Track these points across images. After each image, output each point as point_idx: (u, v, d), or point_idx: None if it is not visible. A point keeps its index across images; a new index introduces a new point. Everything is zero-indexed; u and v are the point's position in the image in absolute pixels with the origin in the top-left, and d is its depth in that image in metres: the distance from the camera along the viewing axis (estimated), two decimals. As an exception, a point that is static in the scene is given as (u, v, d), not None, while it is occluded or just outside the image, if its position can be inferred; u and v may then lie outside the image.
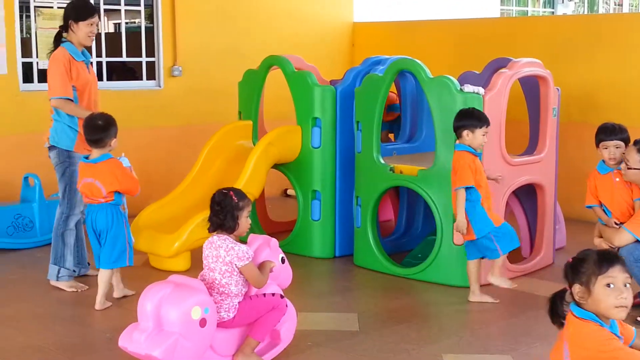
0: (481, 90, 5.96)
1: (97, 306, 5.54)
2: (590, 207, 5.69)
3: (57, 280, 5.98)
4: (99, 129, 5.46)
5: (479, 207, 5.52)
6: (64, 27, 5.98)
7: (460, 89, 5.96)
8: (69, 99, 5.85)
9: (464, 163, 5.49)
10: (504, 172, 6.01)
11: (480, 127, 5.53)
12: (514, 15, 15.27)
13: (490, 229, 5.51)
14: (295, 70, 7.09)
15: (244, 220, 4.43)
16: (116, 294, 5.74)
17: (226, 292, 4.36)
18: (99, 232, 5.55)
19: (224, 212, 4.37)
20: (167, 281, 4.32)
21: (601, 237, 5.58)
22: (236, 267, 4.33)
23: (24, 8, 8.19)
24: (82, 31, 5.92)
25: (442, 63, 8.52)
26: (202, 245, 4.53)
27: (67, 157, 5.92)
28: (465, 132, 5.55)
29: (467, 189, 5.48)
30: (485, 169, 5.69)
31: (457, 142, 5.62)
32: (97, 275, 6.08)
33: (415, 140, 7.37)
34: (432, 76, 6.12)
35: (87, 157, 5.56)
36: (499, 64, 6.80)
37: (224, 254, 4.34)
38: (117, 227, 5.51)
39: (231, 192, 4.42)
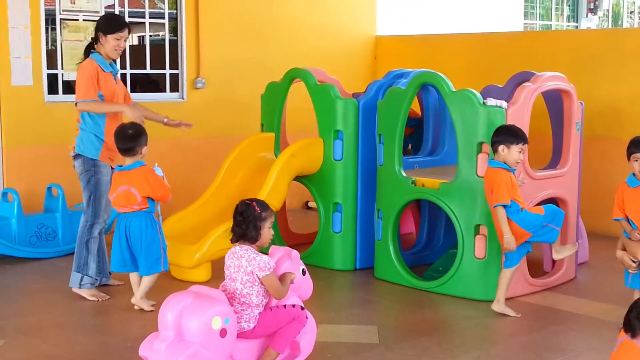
0: (504, 103, 5.96)
1: (148, 309, 5.66)
2: (617, 220, 5.66)
3: (80, 287, 6.02)
4: (130, 137, 5.58)
5: (522, 212, 5.56)
6: (94, 39, 6.06)
7: (483, 102, 5.95)
8: (94, 101, 5.89)
9: (500, 180, 5.50)
10: (526, 185, 5.98)
11: (517, 144, 5.56)
12: (537, 29, 15.23)
13: (540, 219, 5.57)
14: (318, 83, 7.11)
15: (267, 231, 4.44)
16: (134, 300, 5.78)
17: (247, 302, 4.36)
18: (133, 239, 5.63)
19: (246, 222, 4.39)
20: (188, 291, 4.33)
21: (624, 249, 5.54)
22: (257, 277, 4.34)
23: (50, 21, 8.29)
24: (109, 44, 6.00)
25: (464, 77, 8.52)
26: (223, 257, 4.55)
27: (93, 166, 5.96)
28: (501, 148, 5.58)
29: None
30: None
31: (493, 158, 5.64)
32: (117, 285, 6.14)
33: (437, 153, 7.36)
34: (454, 89, 6.12)
35: (120, 166, 5.66)
36: (522, 78, 6.80)
37: (246, 264, 4.36)
38: (152, 234, 5.62)
39: (254, 203, 4.43)
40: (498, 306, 5.69)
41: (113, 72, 6.10)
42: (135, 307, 5.75)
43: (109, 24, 6.06)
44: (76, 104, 5.96)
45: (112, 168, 5.95)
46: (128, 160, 5.64)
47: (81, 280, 6.01)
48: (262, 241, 4.44)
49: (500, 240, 5.62)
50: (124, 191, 5.60)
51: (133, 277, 5.80)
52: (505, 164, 5.57)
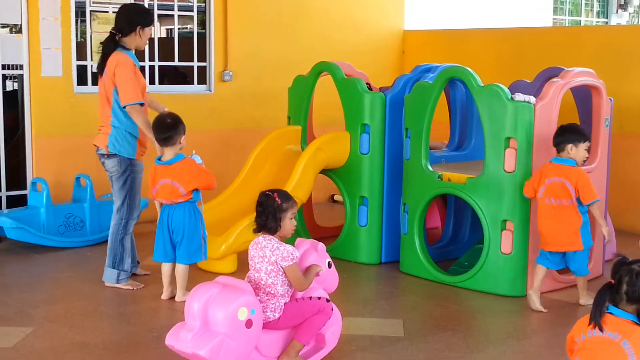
0: (532, 99, 5.93)
1: (180, 299, 5.67)
2: None
3: (117, 282, 6.06)
4: (168, 127, 5.59)
5: (587, 220, 5.71)
6: (123, 31, 5.96)
7: (511, 97, 5.93)
8: (141, 104, 5.85)
9: (585, 177, 5.65)
10: (553, 181, 5.96)
11: (584, 142, 5.71)
12: (566, 25, 15.12)
13: (590, 243, 5.74)
14: (345, 77, 7.11)
15: (288, 222, 4.45)
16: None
17: (272, 292, 4.38)
18: (175, 228, 5.68)
19: (265, 213, 4.41)
20: (215, 282, 4.36)
21: None
22: (281, 267, 4.35)
23: (80, 13, 8.35)
24: (146, 36, 6.00)
25: (492, 72, 8.48)
26: (248, 248, 4.57)
27: (129, 165, 5.94)
28: (569, 147, 5.68)
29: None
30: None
31: (558, 156, 5.71)
32: (144, 275, 6.19)
33: (464, 148, 7.34)
34: (482, 84, 6.09)
35: (159, 159, 5.67)
36: (551, 73, 6.75)
37: (270, 254, 4.38)
38: (195, 224, 5.70)
39: (275, 194, 4.44)
40: (532, 300, 5.68)
41: (138, 65, 6.07)
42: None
43: (146, 16, 6.03)
44: (124, 107, 5.83)
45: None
46: (167, 152, 5.63)
47: (118, 276, 6.05)
48: (283, 232, 4.45)
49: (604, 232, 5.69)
50: (167, 185, 5.61)
51: (167, 267, 5.80)
52: (574, 161, 5.68)
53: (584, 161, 5.85)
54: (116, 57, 5.88)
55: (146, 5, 8.23)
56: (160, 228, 5.73)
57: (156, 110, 6.15)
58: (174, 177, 5.59)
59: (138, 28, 5.94)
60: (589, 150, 5.85)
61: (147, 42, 6.09)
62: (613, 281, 3.38)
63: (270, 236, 4.44)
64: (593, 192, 5.63)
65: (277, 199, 4.42)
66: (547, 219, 5.67)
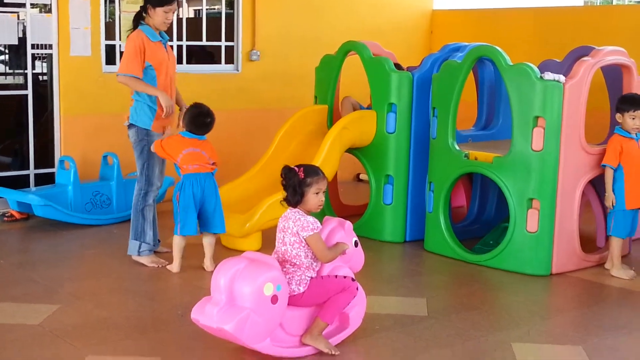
0: (562, 78, 5.86)
1: (209, 268, 5.89)
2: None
3: (139, 254, 6.12)
4: (208, 125, 5.92)
5: (619, 184, 5.92)
6: (143, 10, 6.08)
7: (541, 76, 5.86)
8: (133, 77, 5.95)
9: (610, 143, 5.96)
10: (582, 160, 5.90)
11: (628, 111, 5.92)
12: (597, 4, 14.90)
13: (620, 207, 5.93)
14: (373, 56, 7.06)
15: (312, 197, 4.43)
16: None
17: (297, 263, 4.38)
18: (208, 197, 5.86)
19: (287, 186, 4.43)
20: (241, 256, 4.37)
21: None
22: (303, 238, 4.35)
23: (108, -8, 8.38)
24: (158, 16, 6.01)
25: (521, 51, 8.38)
26: (273, 226, 4.60)
27: (146, 135, 6.03)
28: (617, 115, 6.00)
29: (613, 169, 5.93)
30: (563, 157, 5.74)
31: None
32: (166, 252, 6.23)
33: (492, 127, 7.29)
34: (511, 63, 6.03)
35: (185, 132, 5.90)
36: (581, 53, 6.67)
37: (292, 225, 4.39)
38: (219, 195, 5.96)
39: (300, 168, 4.44)
40: (616, 271, 5.96)
41: (162, 41, 6.12)
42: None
43: None
44: (117, 75, 6.04)
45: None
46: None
47: (139, 247, 6.11)
48: (307, 206, 4.44)
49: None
50: (195, 153, 5.83)
51: (185, 240, 5.90)
52: (624, 129, 5.94)
53: (634, 129, 5.95)
54: (130, 34, 6.06)
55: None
56: (189, 198, 5.81)
57: (178, 104, 6.29)
58: (203, 148, 5.87)
59: (148, 7, 6.03)
60: None
61: (167, 22, 6.08)
62: None
63: (296, 209, 4.45)
64: (607, 157, 5.91)
65: (301, 173, 4.41)
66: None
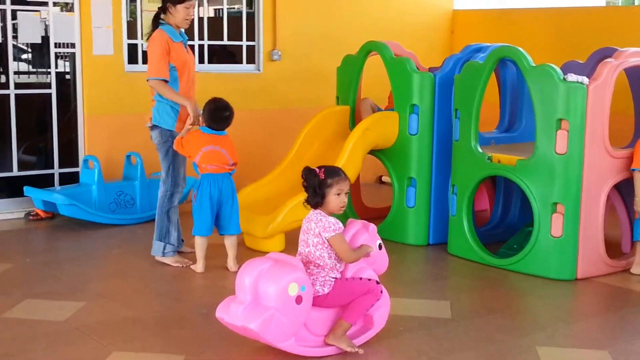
0: (585, 79, 5.84)
1: (233, 269, 5.92)
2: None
3: (163, 255, 6.14)
4: (227, 119, 5.89)
5: None
6: (162, 9, 6.06)
7: (564, 78, 5.84)
8: (164, 80, 5.95)
9: (637, 145, 5.98)
10: (606, 164, 5.88)
11: None
12: (620, 4, 14.82)
13: None
14: (394, 57, 7.06)
15: (333, 198, 4.43)
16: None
17: (321, 264, 4.40)
18: (225, 198, 5.87)
19: (308, 188, 4.46)
20: (266, 257, 4.40)
21: None
22: (325, 239, 4.37)
23: (130, -9, 8.42)
24: (180, 14, 6.00)
25: (544, 52, 8.35)
26: (296, 228, 4.63)
27: (170, 137, 6.04)
28: None
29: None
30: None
31: None
32: (190, 252, 6.26)
33: (514, 129, 7.26)
34: (534, 65, 6.01)
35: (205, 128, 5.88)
36: (604, 54, 6.64)
37: (314, 226, 4.41)
38: (236, 196, 5.97)
39: (322, 169, 4.45)
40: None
41: (183, 41, 6.12)
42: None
43: None
44: (147, 79, 6.00)
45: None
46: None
47: (164, 248, 6.14)
48: (328, 207, 4.45)
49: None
50: (214, 151, 5.81)
51: (206, 240, 5.93)
52: None
53: None
54: (153, 35, 6.03)
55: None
56: (205, 199, 5.82)
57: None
58: (223, 146, 5.85)
59: (168, 5, 6.01)
60: None
61: (189, 18, 6.05)
62: None
63: (318, 210, 4.47)
64: (637, 160, 5.92)
65: (321, 174, 4.42)
66: None
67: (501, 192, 7.19)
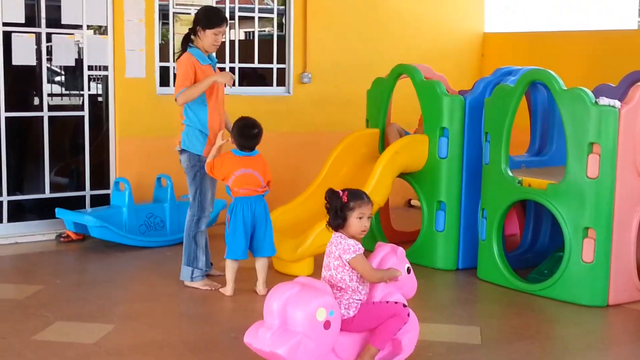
0: (617, 103, 5.79)
1: (262, 292, 5.86)
2: None
3: (192, 280, 6.16)
4: (255, 136, 5.90)
5: None
6: (193, 31, 6.09)
7: (595, 101, 5.80)
8: (186, 88, 5.94)
9: None
10: (638, 189, 5.82)
11: None
12: (652, 27, 14.70)
13: None
14: (424, 80, 7.06)
15: (354, 221, 4.40)
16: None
17: (343, 287, 4.38)
18: (259, 220, 5.89)
19: (330, 210, 4.45)
20: (294, 281, 4.39)
21: None
22: (346, 261, 4.36)
23: (162, 15, 8.50)
24: (208, 39, 6.04)
25: (575, 75, 8.29)
26: (324, 252, 4.58)
27: (198, 161, 6.06)
28: None
29: None
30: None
31: None
32: (219, 275, 6.25)
33: (545, 153, 7.21)
34: (565, 88, 5.98)
35: (238, 151, 5.90)
36: (636, 77, 6.60)
37: (334, 249, 4.41)
38: (269, 218, 5.99)
39: (344, 192, 4.44)
40: None
41: (212, 63, 6.16)
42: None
43: (209, 18, 6.07)
44: (175, 99, 6.01)
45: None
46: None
47: (192, 273, 6.15)
48: (350, 230, 4.42)
49: None
50: (247, 174, 5.84)
51: (237, 264, 5.93)
52: None
53: None
54: (180, 57, 6.07)
55: (225, 8, 8.36)
56: (239, 222, 5.84)
57: (227, 127, 6.26)
58: (255, 168, 5.86)
59: (198, 28, 6.04)
60: None
61: (216, 44, 6.07)
62: None
63: (339, 233, 4.45)
64: None
65: (344, 196, 4.41)
66: None
67: (531, 217, 7.13)
